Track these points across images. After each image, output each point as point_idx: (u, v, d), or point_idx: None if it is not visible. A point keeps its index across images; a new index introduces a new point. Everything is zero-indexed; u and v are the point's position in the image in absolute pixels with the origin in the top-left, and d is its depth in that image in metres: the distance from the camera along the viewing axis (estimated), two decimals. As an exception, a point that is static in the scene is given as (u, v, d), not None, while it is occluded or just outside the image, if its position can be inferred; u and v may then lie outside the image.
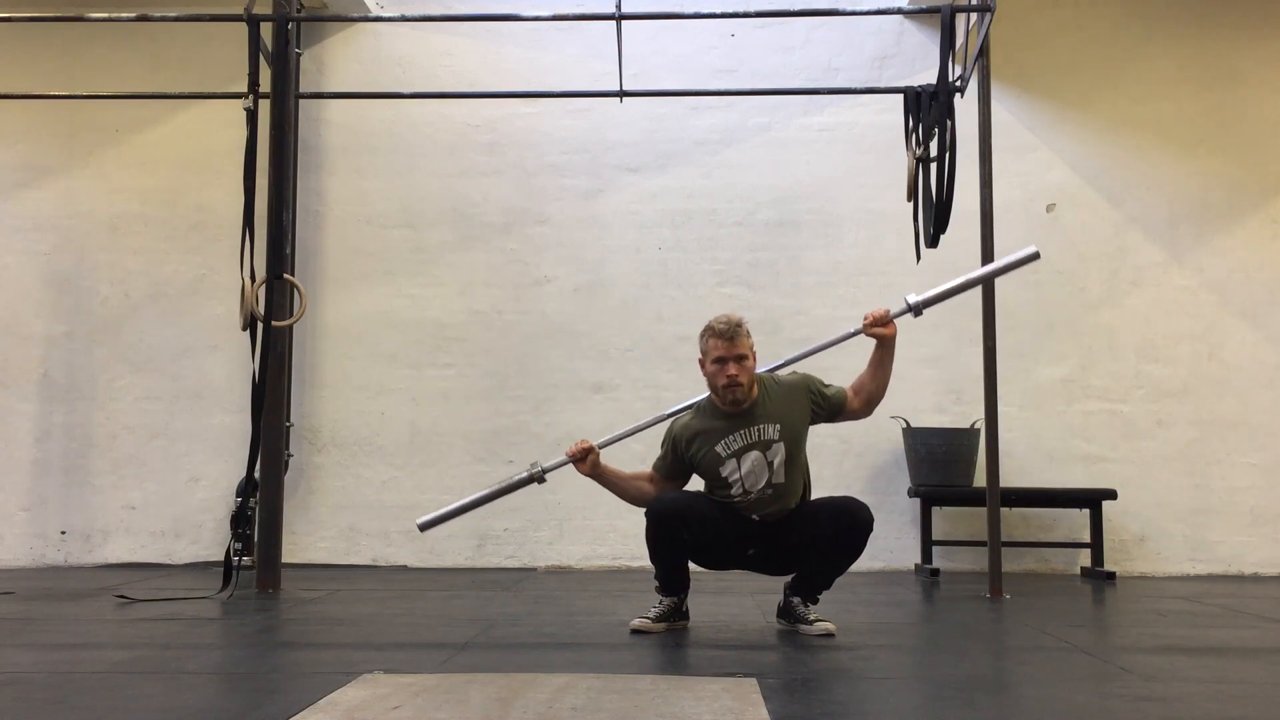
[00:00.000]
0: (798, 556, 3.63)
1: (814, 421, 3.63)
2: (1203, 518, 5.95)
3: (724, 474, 3.56)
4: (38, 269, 6.25)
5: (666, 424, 3.74)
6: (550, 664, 3.02)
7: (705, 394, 3.64)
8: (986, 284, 4.78)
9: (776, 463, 3.54)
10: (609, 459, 3.70)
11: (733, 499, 3.58)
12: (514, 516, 6.02)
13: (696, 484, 3.73)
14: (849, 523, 3.54)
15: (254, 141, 4.64)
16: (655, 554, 3.62)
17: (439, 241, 6.26)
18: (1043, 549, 5.91)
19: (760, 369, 3.64)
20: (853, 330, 3.62)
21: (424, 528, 3.79)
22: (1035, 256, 3.71)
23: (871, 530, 3.56)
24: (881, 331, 3.55)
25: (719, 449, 3.56)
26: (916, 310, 3.62)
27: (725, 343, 3.49)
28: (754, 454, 3.54)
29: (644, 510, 3.60)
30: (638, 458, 4.08)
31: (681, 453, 3.64)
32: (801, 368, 3.72)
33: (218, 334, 6.11)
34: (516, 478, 3.67)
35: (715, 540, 3.57)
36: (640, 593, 3.84)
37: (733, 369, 3.49)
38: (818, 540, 3.55)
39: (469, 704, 2.41)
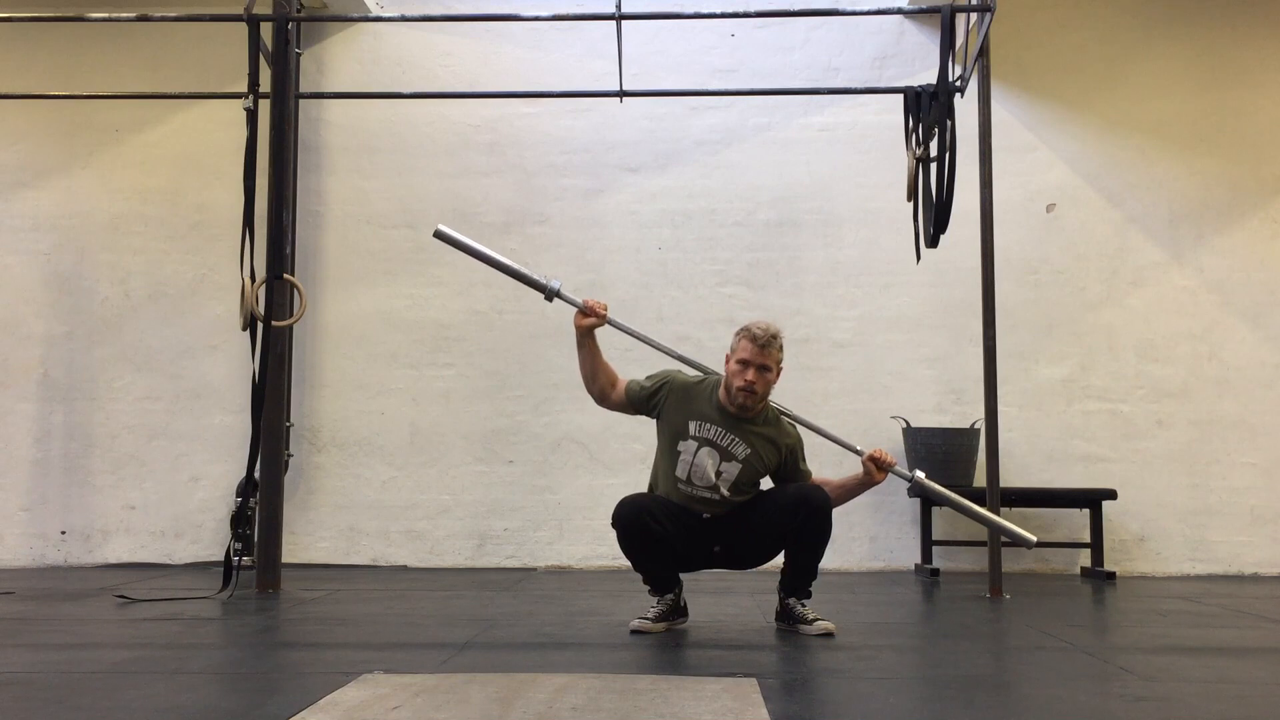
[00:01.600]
0: (766, 551, 3.66)
1: (771, 473, 3.66)
2: (1203, 518, 5.95)
3: (678, 447, 3.58)
4: (38, 269, 6.25)
5: (668, 366, 3.75)
6: (550, 664, 3.02)
7: (724, 376, 3.64)
8: (986, 285, 4.79)
9: (725, 476, 3.55)
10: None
11: (676, 482, 3.58)
12: (514, 516, 6.03)
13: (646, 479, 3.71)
14: (807, 510, 3.52)
15: (254, 141, 4.65)
16: (634, 554, 3.62)
17: (439, 241, 6.24)
18: (1043, 549, 5.91)
19: (774, 398, 3.64)
20: (857, 447, 3.62)
21: (439, 234, 3.78)
22: (1032, 545, 3.70)
23: (831, 508, 3.56)
24: (873, 470, 3.57)
25: (690, 425, 3.57)
26: (914, 487, 3.67)
27: (756, 349, 3.49)
28: (714, 453, 3.55)
29: (610, 521, 3.59)
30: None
31: (660, 398, 3.64)
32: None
33: (218, 334, 6.11)
34: (535, 275, 3.67)
35: (681, 531, 3.57)
36: (640, 593, 3.84)
37: (751, 376, 3.49)
38: (783, 537, 3.57)
39: (469, 704, 2.41)
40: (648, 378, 3.71)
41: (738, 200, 6.23)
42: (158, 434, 6.13)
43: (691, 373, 3.74)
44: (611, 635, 3.56)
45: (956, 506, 3.70)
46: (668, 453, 3.62)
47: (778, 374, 3.57)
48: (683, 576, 3.74)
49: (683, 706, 2.38)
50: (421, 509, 6.08)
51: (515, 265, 3.70)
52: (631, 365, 6.37)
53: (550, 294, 3.65)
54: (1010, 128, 6.04)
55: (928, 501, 5.74)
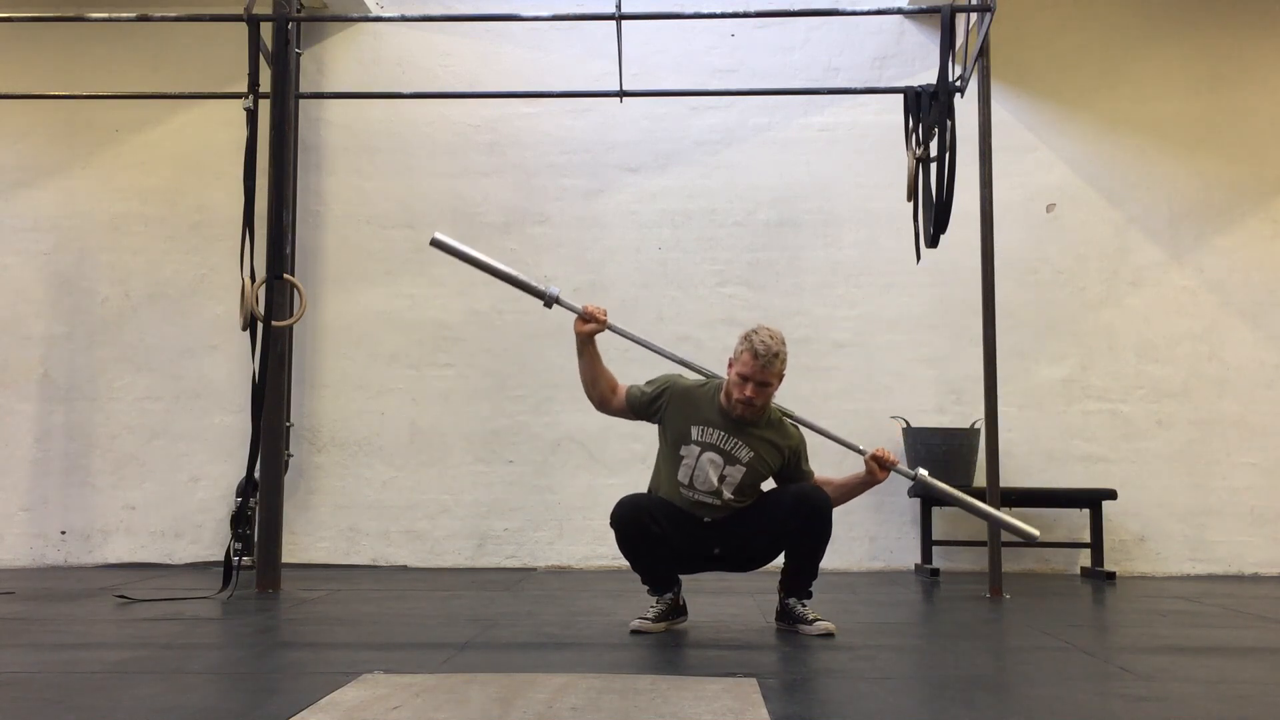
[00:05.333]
0: (765, 553, 3.65)
1: (774, 474, 3.65)
2: (1203, 518, 5.95)
3: (680, 452, 3.57)
4: (38, 269, 6.25)
5: (669, 371, 3.74)
6: (550, 664, 3.02)
7: (725, 381, 3.64)
8: (986, 285, 4.79)
9: (729, 480, 3.55)
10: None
11: (678, 486, 3.58)
12: (514, 516, 6.03)
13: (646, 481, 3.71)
14: (808, 510, 3.53)
15: (254, 141, 4.65)
16: (632, 553, 3.62)
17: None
18: (1043, 549, 5.91)
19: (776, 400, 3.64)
20: (859, 447, 3.62)
21: (435, 242, 3.72)
22: (1036, 539, 3.73)
23: (831, 508, 3.56)
24: (875, 469, 3.57)
25: (693, 430, 3.57)
26: (915, 486, 3.68)
27: (758, 366, 3.47)
28: (716, 457, 3.55)
29: (608, 521, 3.60)
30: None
31: (662, 403, 3.63)
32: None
33: (218, 334, 6.11)
34: (534, 282, 3.65)
35: (680, 533, 3.57)
36: (640, 593, 3.84)
37: (751, 391, 3.48)
38: (784, 536, 3.57)
39: (469, 704, 2.41)
40: (648, 383, 3.69)
41: (738, 200, 6.23)
42: (158, 434, 6.13)
43: (693, 376, 3.73)
44: (611, 635, 3.56)
45: (961, 504, 3.69)
46: (670, 457, 3.61)
47: (779, 384, 3.57)
48: (682, 578, 3.74)
49: (683, 706, 2.38)
50: (421, 509, 6.08)
51: (513, 272, 3.68)
52: (631, 365, 6.38)
53: (550, 300, 3.63)
54: (1010, 128, 6.04)
55: (928, 501, 5.74)
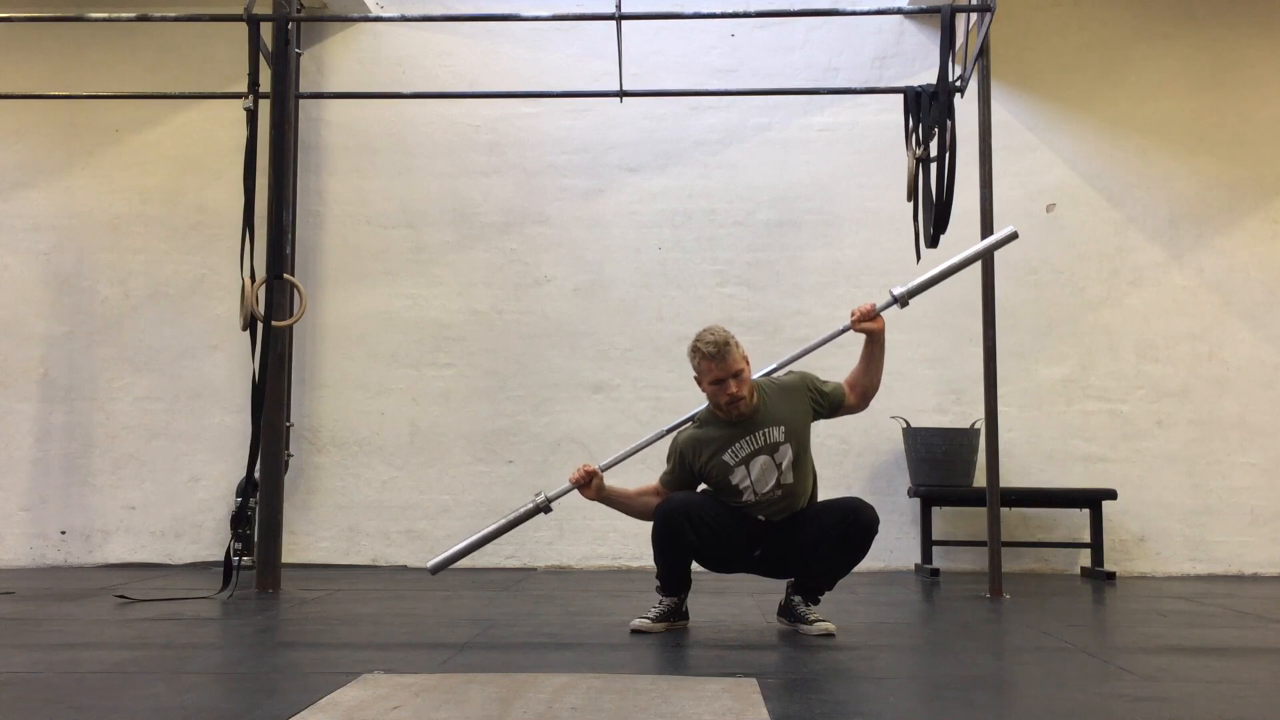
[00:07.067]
0: (803, 558, 3.62)
1: (815, 418, 3.64)
2: (1203, 518, 5.95)
3: (734, 481, 3.56)
4: (38, 269, 6.25)
5: (668, 438, 3.72)
6: (550, 664, 3.02)
7: (705, 404, 3.63)
8: (986, 285, 4.79)
9: (784, 464, 3.55)
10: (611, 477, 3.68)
11: (742, 503, 3.58)
12: (514, 516, 6.02)
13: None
14: (854, 523, 3.53)
15: (254, 141, 4.65)
16: (660, 553, 3.61)
17: (439, 241, 6.26)
18: (1043, 549, 5.91)
19: (756, 372, 3.63)
20: (841, 327, 3.61)
21: (435, 570, 3.70)
22: (1014, 236, 3.75)
23: (876, 532, 3.56)
24: (869, 326, 3.56)
25: (727, 457, 3.56)
26: (902, 301, 3.63)
27: (718, 365, 3.47)
28: (762, 458, 3.55)
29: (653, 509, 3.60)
30: (646, 464, 4.08)
31: (690, 464, 3.63)
32: (796, 365, 3.72)
33: (218, 334, 6.11)
34: (523, 509, 3.62)
35: (722, 541, 3.57)
36: (640, 593, 3.84)
37: (732, 387, 3.48)
38: (822, 541, 3.55)
39: (469, 704, 2.41)
40: (666, 461, 3.70)
41: (738, 200, 6.23)
42: (158, 434, 6.13)
43: (687, 426, 3.71)
44: (611, 635, 3.56)
45: (939, 276, 3.71)
46: (727, 491, 3.59)
47: (749, 366, 3.55)
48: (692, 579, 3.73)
49: (683, 706, 2.38)
50: (421, 509, 6.08)
51: (505, 521, 3.65)
52: (631, 364, 6.41)
53: (546, 506, 3.60)
54: (1010, 128, 6.04)
55: (928, 501, 5.74)
